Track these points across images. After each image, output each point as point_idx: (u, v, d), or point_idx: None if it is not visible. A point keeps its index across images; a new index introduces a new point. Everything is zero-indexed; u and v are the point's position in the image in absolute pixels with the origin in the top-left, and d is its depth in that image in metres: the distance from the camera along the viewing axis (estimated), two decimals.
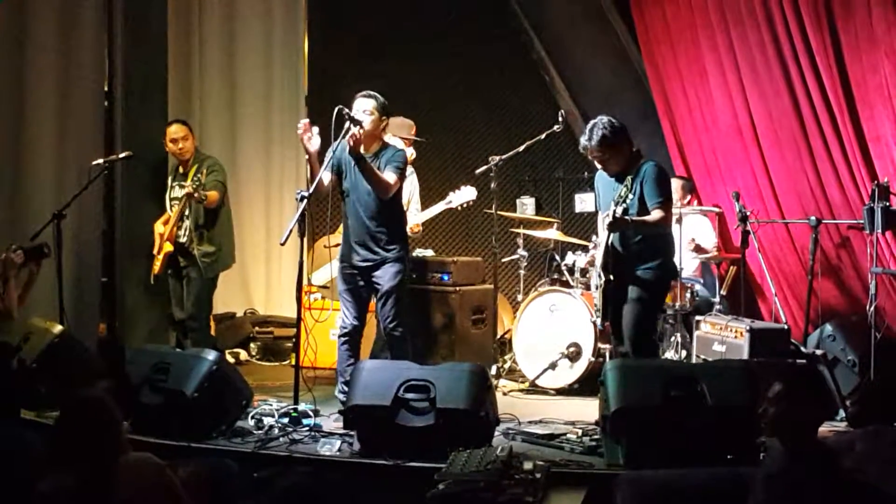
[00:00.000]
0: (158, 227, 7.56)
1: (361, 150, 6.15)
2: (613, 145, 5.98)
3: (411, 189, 7.54)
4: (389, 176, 6.19)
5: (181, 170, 7.57)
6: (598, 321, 6.28)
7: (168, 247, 7.41)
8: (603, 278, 6.04)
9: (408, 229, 6.92)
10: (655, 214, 5.87)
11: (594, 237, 7.70)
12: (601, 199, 6.30)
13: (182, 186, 7.41)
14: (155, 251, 7.53)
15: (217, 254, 7.53)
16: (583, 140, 6.06)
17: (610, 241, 6.00)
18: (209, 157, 7.71)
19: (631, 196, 5.86)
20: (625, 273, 5.97)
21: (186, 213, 7.40)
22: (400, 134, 7.07)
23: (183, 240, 7.41)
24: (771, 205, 7.85)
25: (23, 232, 7.42)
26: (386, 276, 6.30)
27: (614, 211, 5.81)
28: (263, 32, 9.72)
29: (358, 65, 9.38)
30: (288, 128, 9.75)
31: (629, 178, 5.88)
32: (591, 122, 6.07)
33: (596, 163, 6.15)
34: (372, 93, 6.31)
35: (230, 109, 9.49)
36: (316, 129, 6.05)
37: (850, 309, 7.51)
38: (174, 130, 7.56)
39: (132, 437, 5.03)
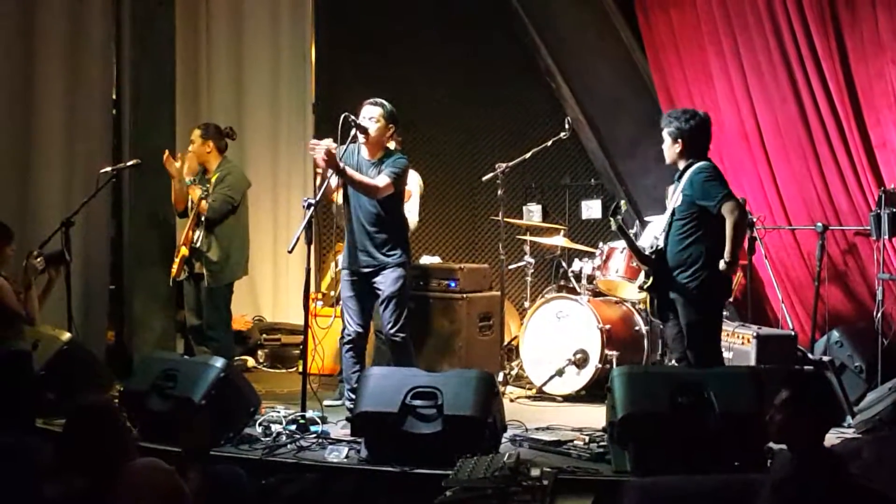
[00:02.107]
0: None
1: (367, 155, 6.31)
2: (683, 139, 5.90)
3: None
4: (381, 179, 6.21)
5: (206, 175, 7.51)
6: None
7: (184, 250, 7.34)
8: (644, 282, 6.07)
9: None
10: (728, 217, 5.70)
11: (601, 244, 7.71)
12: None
13: (204, 190, 7.39)
14: (176, 254, 7.50)
15: (222, 264, 7.35)
16: (664, 117, 6.09)
17: (656, 244, 5.97)
18: (234, 167, 7.57)
19: (679, 203, 5.87)
20: (671, 280, 5.88)
21: (202, 217, 7.36)
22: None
23: (199, 244, 7.35)
24: (777, 211, 7.84)
25: (31, 239, 7.45)
26: (387, 282, 6.32)
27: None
28: (270, 39, 9.74)
29: (365, 72, 9.41)
30: (295, 134, 9.78)
31: (686, 176, 5.88)
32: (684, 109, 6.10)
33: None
34: (379, 100, 6.34)
35: (238, 116, 9.50)
36: (327, 141, 6.08)
37: (856, 315, 7.50)
38: (192, 133, 7.50)
39: (140, 443, 5.08)
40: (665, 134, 5.98)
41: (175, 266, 7.38)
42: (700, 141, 5.98)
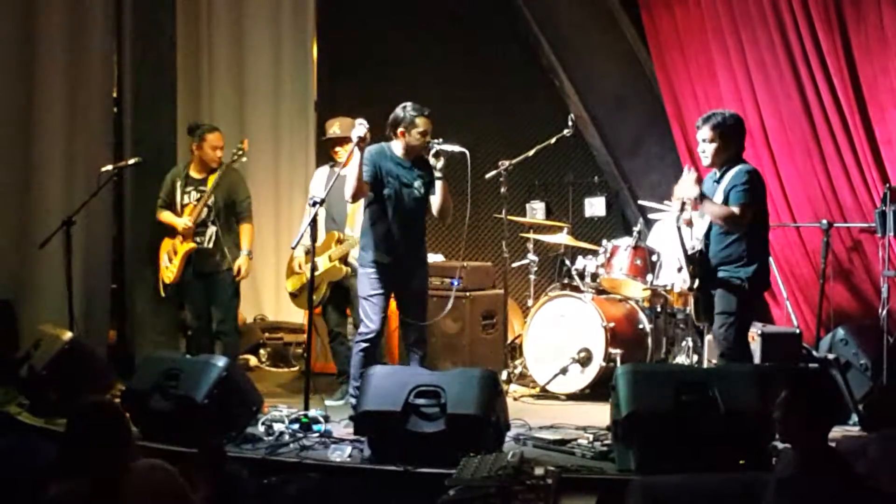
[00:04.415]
0: (168, 243, 7.47)
1: (400, 153, 6.33)
2: (724, 134, 5.87)
3: None
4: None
5: (197, 175, 7.49)
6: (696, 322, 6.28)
7: (189, 245, 7.31)
8: (688, 283, 5.99)
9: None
10: (732, 208, 5.75)
11: (604, 241, 7.69)
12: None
13: (200, 191, 7.35)
14: (167, 260, 7.45)
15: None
16: (701, 119, 6.01)
17: (698, 247, 5.93)
18: (230, 168, 7.50)
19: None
20: (713, 278, 5.86)
21: (211, 218, 7.32)
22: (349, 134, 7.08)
23: (209, 246, 7.32)
24: (782, 208, 7.82)
25: (33, 238, 7.46)
26: (420, 277, 6.43)
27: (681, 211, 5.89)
28: (272, 38, 9.73)
29: (367, 70, 9.40)
30: (297, 133, 9.78)
31: (725, 179, 5.86)
32: (718, 110, 6.08)
33: (699, 146, 6.05)
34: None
35: (239, 115, 9.50)
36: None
37: (862, 312, 7.48)
38: (217, 138, 7.40)
39: (142, 443, 5.08)
40: (714, 133, 5.89)
41: (176, 269, 7.33)
42: (742, 142, 5.99)
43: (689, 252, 5.94)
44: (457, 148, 6.28)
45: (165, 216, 7.43)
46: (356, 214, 6.90)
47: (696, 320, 6.15)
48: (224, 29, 9.51)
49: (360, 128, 6.10)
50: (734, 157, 5.93)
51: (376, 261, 6.28)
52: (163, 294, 7.56)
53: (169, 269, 7.37)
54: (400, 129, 6.24)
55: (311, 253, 6.16)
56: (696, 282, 5.90)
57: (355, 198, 6.28)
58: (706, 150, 5.95)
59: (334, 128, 7.21)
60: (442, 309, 7.59)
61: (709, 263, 5.88)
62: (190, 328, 7.60)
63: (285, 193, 9.72)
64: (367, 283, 6.32)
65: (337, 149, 7.15)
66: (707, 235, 5.93)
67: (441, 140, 6.24)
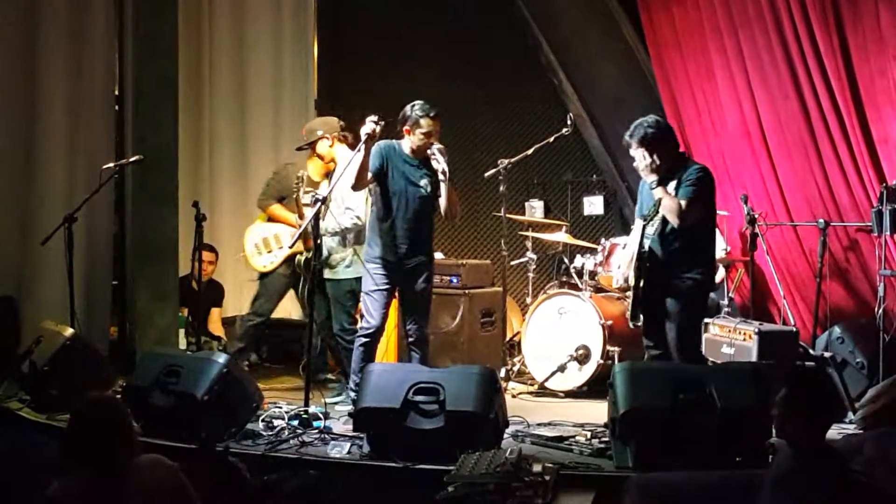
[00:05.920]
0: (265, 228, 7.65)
1: (409, 152, 6.29)
2: (653, 144, 5.85)
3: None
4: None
5: (317, 178, 7.50)
6: (630, 321, 6.18)
7: (305, 256, 7.33)
8: (633, 282, 5.90)
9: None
10: (679, 200, 5.72)
11: (602, 240, 7.71)
12: (642, 203, 6.11)
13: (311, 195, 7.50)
14: (262, 247, 7.56)
15: None
16: (626, 135, 5.96)
17: (647, 246, 5.86)
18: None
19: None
20: (661, 279, 5.83)
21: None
22: (329, 134, 7.09)
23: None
24: (779, 207, 7.85)
25: (34, 235, 7.47)
26: (425, 277, 6.36)
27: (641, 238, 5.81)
28: (273, 37, 9.75)
29: (367, 68, 9.43)
30: (297, 131, 9.76)
31: (673, 183, 5.82)
32: (639, 119, 5.99)
33: (635, 162, 6.00)
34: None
35: (240, 113, 9.52)
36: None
37: (858, 311, 7.51)
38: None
39: (142, 439, 5.10)
40: (643, 147, 5.86)
41: (278, 262, 7.55)
42: (675, 141, 6.00)
43: (641, 250, 5.88)
44: (443, 164, 6.17)
45: (279, 211, 7.57)
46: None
47: (632, 318, 6.06)
48: (225, 26, 9.52)
49: (370, 124, 6.08)
50: (677, 159, 5.93)
51: (380, 257, 6.29)
52: (261, 271, 7.69)
53: (265, 257, 7.58)
54: (406, 127, 6.23)
55: (313, 251, 6.19)
56: (641, 281, 5.84)
57: (355, 189, 6.32)
58: (644, 165, 5.89)
59: (303, 135, 7.28)
60: (443, 307, 7.64)
61: (657, 265, 5.83)
62: (252, 319, 7.68)
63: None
64: (369, 279, 6.33)
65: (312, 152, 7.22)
66: (661, 235, 5.87)
67: (440, 146, 6.19)
